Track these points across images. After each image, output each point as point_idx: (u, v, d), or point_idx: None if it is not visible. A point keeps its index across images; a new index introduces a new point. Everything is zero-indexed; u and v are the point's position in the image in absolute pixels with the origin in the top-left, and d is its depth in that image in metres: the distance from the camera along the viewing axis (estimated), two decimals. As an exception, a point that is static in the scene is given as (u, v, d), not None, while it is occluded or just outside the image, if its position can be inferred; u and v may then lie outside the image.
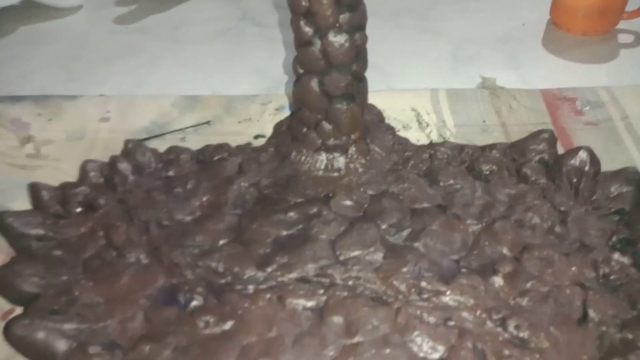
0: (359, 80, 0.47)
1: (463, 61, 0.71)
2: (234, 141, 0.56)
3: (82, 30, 0.80)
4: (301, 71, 0.46)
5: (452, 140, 0.57)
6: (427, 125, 0.59)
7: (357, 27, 0.44)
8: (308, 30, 0.44)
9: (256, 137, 0.58)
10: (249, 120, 0.60)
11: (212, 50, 0.74)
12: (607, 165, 0.50)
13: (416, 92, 0.62)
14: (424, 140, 0.57)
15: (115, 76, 0.69)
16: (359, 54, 0.45)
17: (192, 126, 0.59)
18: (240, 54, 0.73)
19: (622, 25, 0.75)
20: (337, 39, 0.44)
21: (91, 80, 0.69)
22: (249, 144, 0.56)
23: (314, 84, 0.46)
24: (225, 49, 0.74)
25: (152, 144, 0.57)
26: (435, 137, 0.58)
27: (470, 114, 0.59)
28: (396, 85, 0.67)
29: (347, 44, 0.44)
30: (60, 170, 0.54)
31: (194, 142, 0.56)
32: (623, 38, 0.74)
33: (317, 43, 0.44)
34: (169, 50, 0.75)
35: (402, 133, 0.58)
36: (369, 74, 0.69)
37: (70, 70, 0.71)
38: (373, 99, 0.61)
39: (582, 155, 0.47)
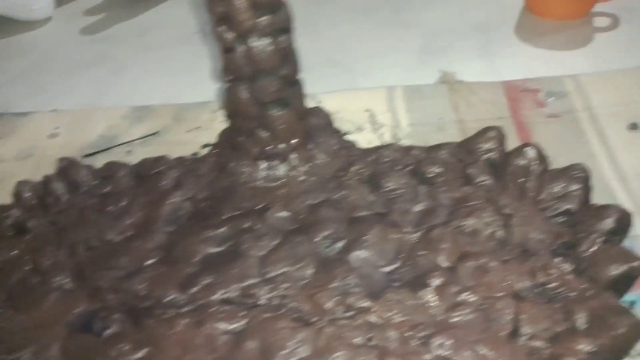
0: (292, 84, 0.45)
1: (433, 54, 0.68)
2: (182, 151, 0.54)
3: (50, 43, 0.79)
4: (229, 78, 0.44)
5: (405, 140, 0.54)
6: (381, 126, 0.56)
7: (281, 30, 0.42)
8: (229, 35, 0.41)
9: (204, 146, 0.56)
10: (198, 129, 0.58)
11: (178, 55, 0.73)
12: (567, 160, 0.48)
13: (371, 91, 0.59)
14: (376, 143, 0.55)
15: (80, 88, 0.68)
16: (286, 57, 0.43)
17: (139, 138, 0.57)
18: (206, 58, 0.71)
19: (598, 7, 0.71)
20: (259, 43, 0.41)
21: (56, 94, 0.67)
22: (195, 154, 0.54)
23: (243, 90, 0.44)
24: (191, 54, 0.72)
25: (100, 158, 0.56)
26: (388, 138, 0.55)
27: (426, 112, 0.57)
28: (361, 83, 0.65)
29: (270, 48, 0.42)
30: (7, 191, 0.53)
31: (142, 155, 0.55)
32: (599, 21, 0.71)
33: (240, 48, 0.42)
34: (135, 58, 0.73)
35: (354, 135, 0.56)
36: (332, 71, 0.68)
37: (35, 84, 0.70)
38: (326, 100, 0.59)
39: (530, 152, 0.44)
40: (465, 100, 0.57)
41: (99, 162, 0.54)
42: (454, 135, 0.53)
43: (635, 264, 0.36)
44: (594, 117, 0.53)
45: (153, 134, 0.57)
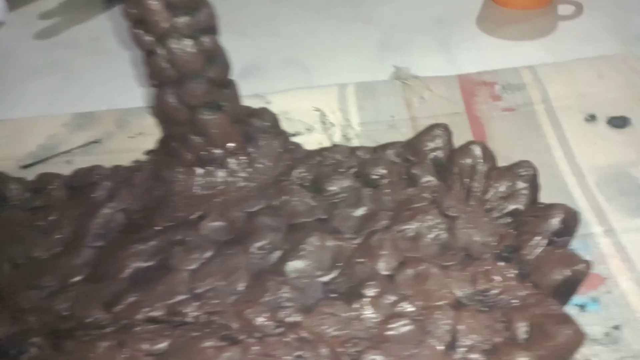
0: (222, 87, 0.42)
1: (392, 49, 0.66)
2: (124, 159, 0.52)
3: (3, 48, 0.76)
4: (154, 83, 0.42)
5: (355, 140, 0.52)
6: (332, 125, 0.54)
7: (204, 30, 0.40)
8: (147, 38, 0.39)
9: (147, 152, 0.53)
10: (141, 135, 0.56)
11: (131, 59, 0.70)
12: (522, 154, 0.45)
13: (323, 89, 0.57)
14: (327, 143, 0.52)
15: (31, 95, 0.65)
16: (212, 59, 0.41)
17: (79, 147, 0.54)
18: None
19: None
20: (180, 46, 0.39)
21: (6, 102, 0.64)
22: (137, 162, 0.51)
23: (170, 95, 0.41)
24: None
25: (39, 169, 0.53)
26: (338, 139, 0.53)
27: (378, 110, 0.55)
28: (317, 81, 0.63)
29: (191, 50, 0.39)
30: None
31: (82, 164, 0.52)
32: (563, 10, 0.68)
33: (161, 51, 0.39)
34: (89, 62, 0.71)
35: (304, 136, 0.53)
36: (288, 70, 0.65)
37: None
38: (277, 100, 0.56)
39: (475, 150, 0.41)
40: (419, 96, 0.55)
41: (37, 173, 0.51)
42: (406, 134, 0.51)
43: (579, 267, 0.34)
44: (551, 109, 0.51)
45: (93, 142, 0.54)
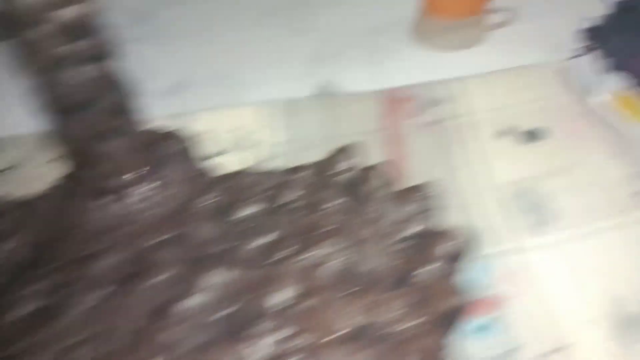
0: (121, 113, 0.41)
1: (323, 63, 0.65)
2: (42, 185, 0.50)
3: None
4: (50, 111, 0.40)
5: (278, 160, 0.51)
6: (258, 144, 0.53)
7: (98, 57, 0.38)
8: (40, 66, 0.38)
9: (59, 180, 0.52)
10: (61, 159, 0.54)
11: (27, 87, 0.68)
12: (438, 171, 0.45)
13: (250, 106, 0.56)
14: (252, 162, 0.51)
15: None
16: (109, 85, 0.39)
17: (-6, 174, 0.53)
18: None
19: (498, 1, 0.68)
20: (73, 73, 0.37)
21: None
22: (48, 190, 0.49)
23: (68, 124, 0.40)
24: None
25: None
26: (264, 158, 0.52)
27: (304, 127, 0.54)
28: (246, 97, 0.61)
29: (85, 77, 0.38)
30: None
31: (-2, 192, 0.50)
32: (495, 18, 0.68)
33: (51, 79, 0.38)
34: (7, 83, 0.68)
35: (229, 156, 0.52)
36: (218, 86, 0.64)
37: None
38: (202, 118, 0.55)
39: (379, 171, 0.41)
40: (341, 113, 0.54)
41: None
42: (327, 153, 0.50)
43: (463, 295, 0.33)
44: (469, 123, 0.50)
45: (7, 168, 0.53)
